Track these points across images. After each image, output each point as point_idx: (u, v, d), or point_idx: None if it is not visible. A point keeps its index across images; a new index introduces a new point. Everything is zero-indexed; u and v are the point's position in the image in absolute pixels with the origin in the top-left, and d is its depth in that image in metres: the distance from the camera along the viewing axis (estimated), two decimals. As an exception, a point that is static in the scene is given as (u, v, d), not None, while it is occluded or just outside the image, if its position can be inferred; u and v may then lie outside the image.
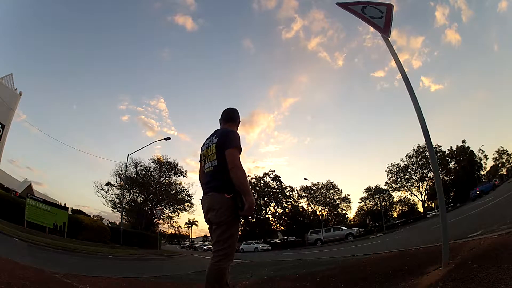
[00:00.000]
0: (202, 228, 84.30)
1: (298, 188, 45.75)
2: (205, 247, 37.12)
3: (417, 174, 42.75)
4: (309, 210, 45.90)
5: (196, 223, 69.28)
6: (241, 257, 13.52)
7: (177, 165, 35.50)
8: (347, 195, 47.40)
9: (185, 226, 70.48)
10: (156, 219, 31.48)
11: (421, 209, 43.09)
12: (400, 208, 46.84)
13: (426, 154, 38.16)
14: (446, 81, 75.68)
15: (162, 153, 75.22)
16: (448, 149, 43.84)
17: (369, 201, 48.73)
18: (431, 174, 39.07)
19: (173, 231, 60.25)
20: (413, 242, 7.62)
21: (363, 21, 3.34)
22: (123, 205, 28.26)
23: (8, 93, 21.80)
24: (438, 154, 40.75)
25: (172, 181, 35.73)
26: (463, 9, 72.01)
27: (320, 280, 3.66)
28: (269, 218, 44.49)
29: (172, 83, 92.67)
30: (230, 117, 2.46)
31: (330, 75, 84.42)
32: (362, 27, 78.40)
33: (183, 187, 35.87)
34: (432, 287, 2.20)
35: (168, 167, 35.25)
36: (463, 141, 43.41)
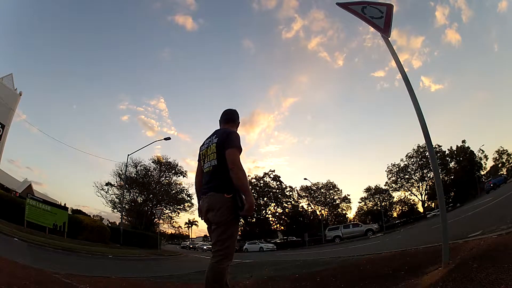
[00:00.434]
0: (202, 228, 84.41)
1: (298, 188, 45.85)
2: (205, 247, 37.07)
3: (417, 174, 42.73)
4: (309, 210, 45.94)
5: (196, 223, 69.44)
6: (241, 257, 13.51)
7: (177, 165, 35.63)
8: (347, 195, 47.50)
9: (185, 226, 70.71)
10: (156, 219, 31.53)
11: (421, 209, 43.08)
12: (400, 208, 46.80)
13: (426, 154, 38.15)
14: (446, 81, 75.63)
15: (162, 153, 75.18)
16: (448, 149, 43.83)
17: (369, 201, 48.66)
18: (431, 174, 39.06)
19: (173, 231, 60.43)
20: (413, 242, 7.62)
21: (363, 21, 3.34)
22: (123, 205, 28.29)
23: (8, 93, 21.82)
24: (438, 154, 40.72)
25: (172, 181, 35.85)
26: (463, 9, 72.04)
27: (320, 280, 3.66)
28: (269, 218, 44.52)
29: (172, 83, 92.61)
30: (230, 118, 2.46)
31: (330, 75, 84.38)
32: (362, 27, 78.48)
33: (183, 187, 36.00)
34: (433, 287, 2.20)
35: (168, 167, 35.31)
36: (463, 141, 43.42)
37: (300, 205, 45.83)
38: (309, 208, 46.11)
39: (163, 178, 35.29)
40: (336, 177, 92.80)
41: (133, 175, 32.73)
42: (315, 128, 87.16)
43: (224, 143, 2.11)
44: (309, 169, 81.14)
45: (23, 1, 61.54)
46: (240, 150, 2.10)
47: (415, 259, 3.88)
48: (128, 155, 25.51)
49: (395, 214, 47.22)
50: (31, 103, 71.57)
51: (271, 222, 44.85)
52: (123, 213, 27.84)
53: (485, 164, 43.07)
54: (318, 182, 46.07)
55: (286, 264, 7.11)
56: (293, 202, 45.05)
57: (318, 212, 44.63)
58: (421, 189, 42.77)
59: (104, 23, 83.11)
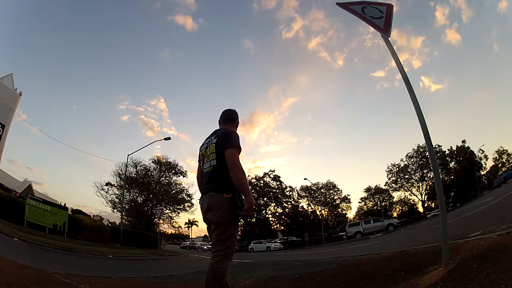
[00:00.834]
0: (202, 228, 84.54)
1: (298, 188, 45.91)
2: (205, 247, 37.07)
3: (417, 174, 42.73)
4: (309, 210, 45.96)
5: (196, 223, 69.44)
6: (241, 257, 13.51)
7: (177, 165, 35.63)
8: (347, 195, 47.58)
9: (185, 226, 70.67)
10: (156, 219, 31.53)
11: (421, 209, 43.06)
12: (400, 208, 46.82)
13: (426, 154, 38.15)
14: (446, 81, 75.60)
15: (162, 153, 75.18)
16: (448, 149, 43.81)
17: (369, 201, 48.72)
18: (431, 174, 39.06)
19: (173, 231, 60.39)
20: (413, 242, 7.61)
21: (363, 21, 3.34)
22: (123, 205, 28.28)
23: (8, 93, 21.81)
24: (438, 154, 40.71)
25: (172, 181, 35.85)
26: (463, 9, 72.00)
27: (320, 280, 3.66)
28: (269, 218, 44.55)
29: (172, 83, 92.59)
30: (229, 118, 2.46)
31: (330, 75, 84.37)
32: (362, 27, 78.44)
33: (183, 187, 36.01)
34: (433, 287, 2.20)
35: (168, 167, 35.31)
36: (463, 141, 43.40)
37: (300, 205, 45.97)
38: (309, 208, 46.21)
39: (163, 178, 35.30)
40: (336, 177, 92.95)
41: (133, 175, 32.73)
42: (315, 128, 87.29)
43: (224, 143, 2.11)
44: (309, 169, 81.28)
45: (23, 1, 61.59)
46: (239, 150, 2.10)
47: (415, 259, 3.88)
48: (128, 155, 25.53)
49: (395, 214, 47.18)
50: (31, 103, 71.64)
51: (271, 222, 44.89)
52: (123, 213, 27.84)
53: (485, 164, 43.10)
54: (318, 182, 46.22)
55: (286, 264, 7.11)
56: (293, 202, 45.11)
57: (318, 212, 44.67)
58: (421, 189, 42.80)
59: (104, 23, 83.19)
